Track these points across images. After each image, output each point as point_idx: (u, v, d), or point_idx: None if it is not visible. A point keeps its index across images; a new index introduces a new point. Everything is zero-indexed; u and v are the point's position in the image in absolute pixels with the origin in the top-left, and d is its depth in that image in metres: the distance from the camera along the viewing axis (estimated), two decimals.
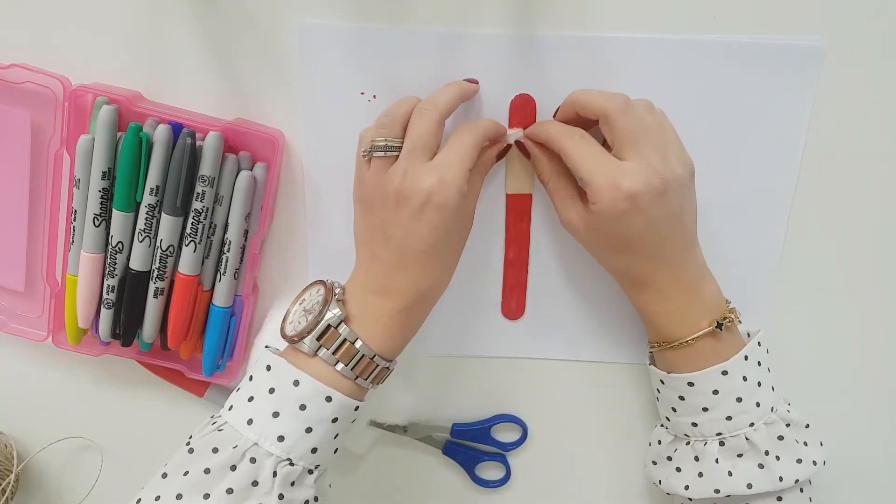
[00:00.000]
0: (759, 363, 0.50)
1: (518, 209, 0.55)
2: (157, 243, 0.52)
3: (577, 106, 0.49)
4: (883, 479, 0.60)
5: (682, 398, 0.50)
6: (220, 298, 0.54)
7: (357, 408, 0.46)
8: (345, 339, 0.46)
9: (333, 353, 0.46)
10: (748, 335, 0.52)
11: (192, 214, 0.51)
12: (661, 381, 0.51)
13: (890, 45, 0.52)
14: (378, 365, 0.47)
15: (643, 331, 0.54)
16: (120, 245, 0.53)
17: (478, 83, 0.52)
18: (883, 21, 0.51)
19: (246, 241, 0.54)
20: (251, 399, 0.45)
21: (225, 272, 0.53)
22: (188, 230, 0.52)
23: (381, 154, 0.47)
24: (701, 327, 0.49)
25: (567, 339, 0.58)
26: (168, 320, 0.54)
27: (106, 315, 0.54)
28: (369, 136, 0.48)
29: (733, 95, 0.52)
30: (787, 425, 0.50)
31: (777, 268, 0.56)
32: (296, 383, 0.45)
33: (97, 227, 0.52)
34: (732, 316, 0.49)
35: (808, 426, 0.51)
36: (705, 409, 0.49)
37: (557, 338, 0.57)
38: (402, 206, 0.46)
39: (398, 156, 0.47)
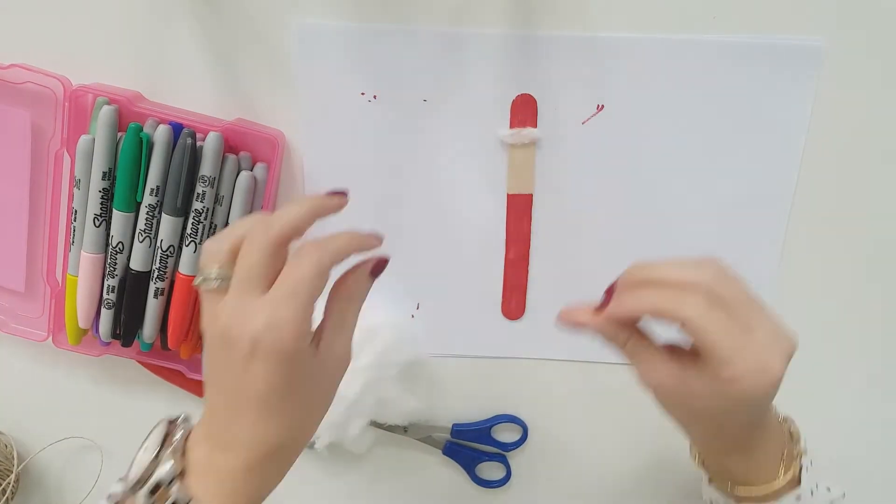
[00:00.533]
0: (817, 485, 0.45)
1: (518, 209, 0.55)
2: (158, 243, 0.52)
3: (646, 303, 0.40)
4: (882, 479, 0.60)
5: None
6: None
7: None
8: (175, 502, 0.38)
9: None
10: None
11: (192, 215, 0.51)
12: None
13: (890, 45, 0.52)
14: None
15: None
16: (120, 245, 0.53)
17: (346, 195, 0.41)
18: (883, 21, 0.51)
19: None
20: None
21: None
22: (188, 230, 0.52)
23: (214, 286, 0.39)
24: (777, 475, 0.43)
25: (567, 339, 0.57)
26: (168, 320, 0.54)
27: (106, 315, 0.54)
28: (201, 264, 0.40)
29: (733, 95, 0.52)
30: None
31: (777, 268, 0.56)
32: None
33: (97, 227, 0.52)
34: (799, 449, 0.45)
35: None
36: None
37: (557, 338, 0.57)
38: (230, 350, 0.38)
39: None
